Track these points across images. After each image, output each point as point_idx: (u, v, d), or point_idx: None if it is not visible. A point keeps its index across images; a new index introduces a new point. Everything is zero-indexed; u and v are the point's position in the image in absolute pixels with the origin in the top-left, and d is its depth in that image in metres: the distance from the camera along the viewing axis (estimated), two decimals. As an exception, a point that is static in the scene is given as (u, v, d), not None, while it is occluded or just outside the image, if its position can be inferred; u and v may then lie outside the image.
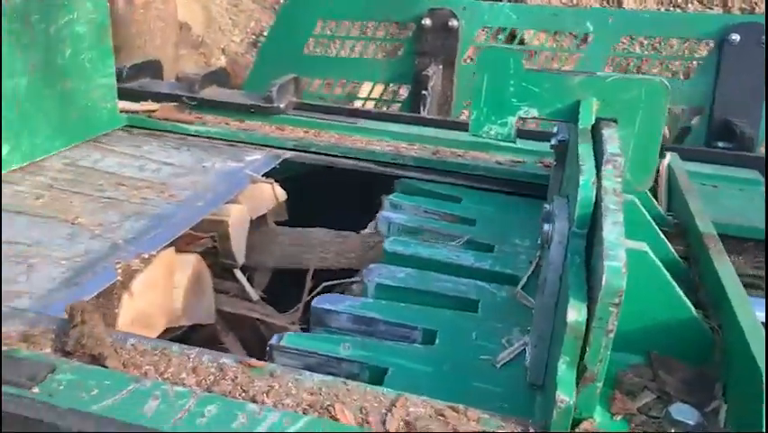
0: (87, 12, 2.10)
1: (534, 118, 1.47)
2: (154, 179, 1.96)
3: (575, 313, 0.97)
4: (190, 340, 1.76)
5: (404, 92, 3.42)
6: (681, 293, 1.15)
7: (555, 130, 1.64)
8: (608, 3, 5.49)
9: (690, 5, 5.32)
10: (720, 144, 2.80)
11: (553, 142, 1.62)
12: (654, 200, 1.63)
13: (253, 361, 1.13)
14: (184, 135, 2.32)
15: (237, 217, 1.89)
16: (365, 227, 1.99)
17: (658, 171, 1.83)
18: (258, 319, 1.92)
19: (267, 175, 2.09)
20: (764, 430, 0.91)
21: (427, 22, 3.12)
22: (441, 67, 3.15)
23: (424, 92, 3.02)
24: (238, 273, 1.97)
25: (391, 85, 3.48)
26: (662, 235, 1.39)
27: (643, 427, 1.04)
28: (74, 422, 0.92)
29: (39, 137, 2.00)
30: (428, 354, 1.32)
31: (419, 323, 1.42)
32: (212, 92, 2.53)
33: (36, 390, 0.99)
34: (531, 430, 1.01)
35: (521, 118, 1.47)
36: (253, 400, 1.03)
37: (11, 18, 1.83)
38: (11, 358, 1.04)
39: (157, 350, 1.13)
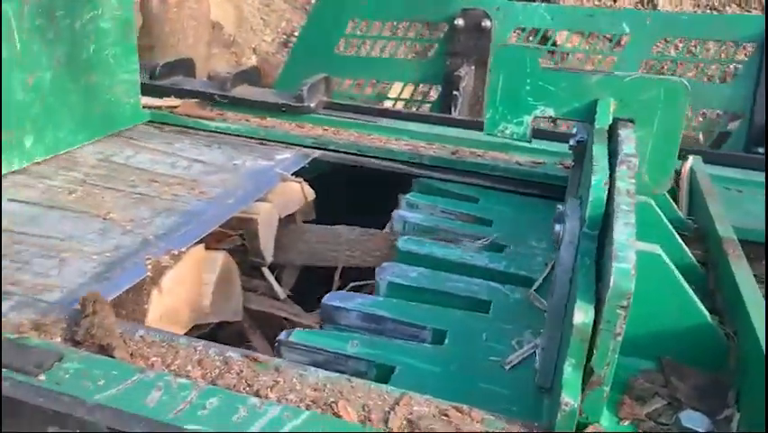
0: (112, 8, 2.13)
1: (550, 117, 1.45)
2: (185, 176, 1.97)
3: (582, 315, 0.96)
4: (218, 337, 1.78)
5: (434, 93, 3.40)
6: (694, 297, 1.12)
7: (574, 131, 1.62)
8: (642, 5, 5.41)
9: (727, 8, 5.21)
10: (760, 150, 2.72)
11: (572, 142, 1.60)
12: (674, 203, 1.60)
13: (259, 355, 1.13)
14: (215, 133, 2.33)
15: (266, 216, 1.90)
16: (384, 227, 1.99)
17: (679, 174, 1.79)
18: (285, 318, 1.92)
19: (296, 174, 2.09)
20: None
21: (460, 22, 3.08)
22: (473, 67, 3.13)
23: (455, 92, 3.00)
24: (266, 272, 1.98)
25: (421, 85, 3.46)
26: (679, 239, 1.36)
27: (651, 433, 1.02)
28: (73, 409, 0.93)
29: (62, 130, 2.03)
30: (436, 353, 1.31)
31: (429, 322, 1.41)
32: (243, 90, 2.53)
33: (43, 377, 1.00)
34: (535, 432, 0.99)
35: (537, 117, 1.45)
36: (257, 395, 1.03)
37: (36, 13, 1.86)
38: (20, 346, 1.05)
39: (164, 342, 1.14)
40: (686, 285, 1.12)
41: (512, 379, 1.25)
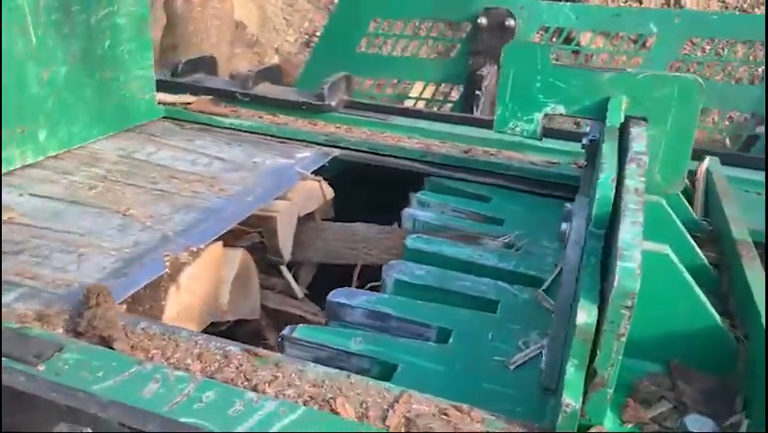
0: (128, 4, 2.14)
1: (561, 115, 1.42)
2: (205, 173, 1.98)
3: (585, 315, 0.93)
4: (235, 335, 1.76)
5: (455, 93, 3.37)
6: (703, 299, 1.09)
7: (588, 129, 1.59)
8: (668, 5, 5.34)
9: (756, 10, 5.10)
10: None
11: (584, 141, 1.58)
12: (688, 205, 1.56)
13: (260, 350, 1.12)
14: (231, 130, 2.34)
15: (285, 214, 1.89)
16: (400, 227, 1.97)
17: (695, 175, 1.76)
18: (302, 317, 1.92)
19: (315, 172, 2.08)
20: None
21: (483, 21, 3.05)
22: (495, 67, 3.08)
23: (477, 92, 2.97)
24: (284, 270, 1.97)
25: (443, 85, 3.43)
26: (691, 240, 1.33)
27: (655, 437, 0.99)
28: (86, 406, 0.93)
29: (76, 125, 2.04)
30: (440, 352, 1.29)
31: (434, 321, 1.39)
32: (264, 89, 2.53)
33: (42, 367, 1.00)
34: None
35: (548, 115, 1.43)
36: (254, 389, 1.02)
37: (52, 8, 1.88)
38: (21, 336, 1.06)
39: (165, 335, 1.14)
40: (695, 286, 1.09)
41: (517, 379, 1.23)
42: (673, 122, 1.34)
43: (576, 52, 3.87)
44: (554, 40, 3.42)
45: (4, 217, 1.59)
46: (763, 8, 5.06)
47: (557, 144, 2.22)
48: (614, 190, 1.09)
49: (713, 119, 3.66)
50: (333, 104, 2.39)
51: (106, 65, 2.11)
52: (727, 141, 3.30)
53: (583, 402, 0.97)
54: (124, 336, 1.12)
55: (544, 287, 1.52)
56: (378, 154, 2.19)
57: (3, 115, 1.78)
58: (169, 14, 3.97)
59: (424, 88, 3.50)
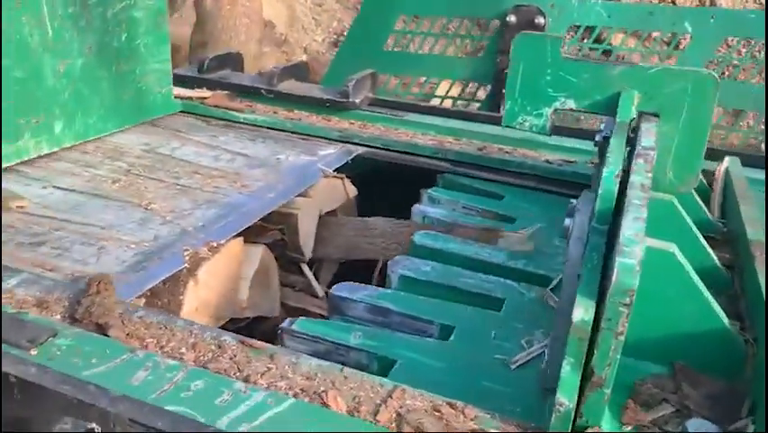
0: (145, -2, 2.16)
1: (571, 110, 1.39)
2: (228, 169, 1.98)
3: (581, 312, 0.91)
4: (254, 332, 1.77)
5: (482, 93, 3.33)
6: (711, 300, 1.06)
7: (602, 127, 1.56)
8: (700, 4, 5.22)
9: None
10: None
11: (597, 138, 1.54)
12: (703, 205, 1.52)
13: (255, 342, 1.11)
14: (245, 125, 2.35)
15: (307, 211, 1.89)
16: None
17: (713, 175, 1.71)
18: (322, 315, 1.90)
19: (338, 170, 2.07)
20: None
21: (512, 18, 2.99)
22: (524, 66, 3.05)
23: (504, 91, 2.93)
24: (305, 268, 1.97)
25: (470, 85, 3.39)
26: (702, 240, 1.28)
27: (654, 440, 0.96)
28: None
29: (92, 117, 2.06)
30: (440, 349, 1.27)
31: (437, 317, 1.37)
32: (289, 85, 2.52)
33: (34, 352, 1.00)
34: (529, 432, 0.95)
35: (557, 110, 1.40)
36: (246, 380, 1.01)
37: (69, 1, 1.90)
38: (17, 321, 1.06)
39: (161, 324, 1.14)
40: (702, 287, 1.06)
41: (517, 379, 1.20)
42: (687, 118, 1.30)
43: (607, 53, 3.80)
44: (585, 40, 3.33)
45: (14, 206, 1.61)
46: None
47: (575, 143, 2.19)
48: (618, 186, 1.05)
49: (748, 123, 3.56)
50: (357, 101, 2.37)
51: (123, 58, 2.13)
52: (762, 145, 3.20)
53: (581, 403, 0.94)
54: (120, 324, 1.11)
55: (551, 286, 1.49)
56: (401, 152, 2.17)
57: (18, 106, 1.80)
58: (199, 12, 4.01)
59: (450, 87, 3.45)
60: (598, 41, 3.25)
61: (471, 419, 0.97)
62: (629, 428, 0.98)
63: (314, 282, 1.97)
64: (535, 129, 1.42)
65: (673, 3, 5.11)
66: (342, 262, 2.11)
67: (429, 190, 2.00)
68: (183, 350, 1.08)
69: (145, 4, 2.16)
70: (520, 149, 2.18)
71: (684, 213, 1.28)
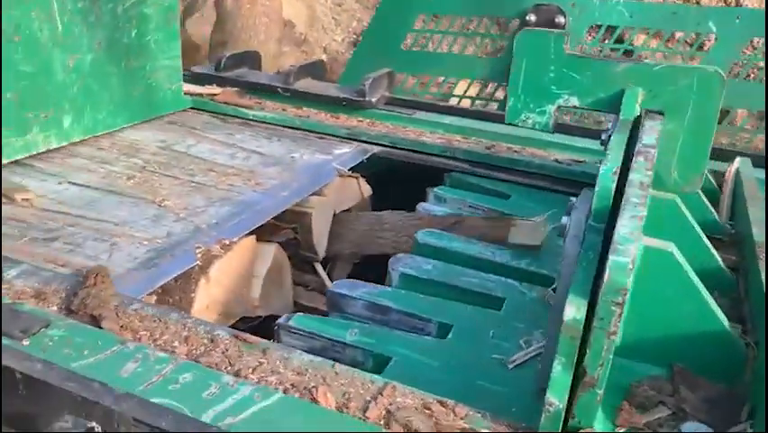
0: (156, -6, 2.17)
1: (574, 108, 1.37)
2: (243, 167, 1.98)
3: (573, 310, 0.89)
4: (266, 331, 1.75)
5: (501, 93, 3.29)
6: (710, 301, 1.03)
7: (609, 126, 1.53)
8: (725, 3, 5.13)
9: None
10: None
11: (603, 137, 1.52)
12: (710, 205, 1.49)
13: (248, 336, 1.11)
14: (254, 122, 2.35)
15: (321, 210, 1.88)
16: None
17: (723, 176, 1.68)
18: None
19: (353, 169, 2.06)
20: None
21: (532, 18, 2.94)
22: (543, 66, 3.01)
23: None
24: (318, 267, 1.96)
25: (489, 85, 3.35)
26: (706, 241, 1.26)
27: (648, 443, 0.94)
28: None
29: (101, 112, 2.08)
30: (437, 347, 1.26)
31: (435, 316, 1.36)
32: (306, 84, 2.51)
33: (27, 342, 1.01)
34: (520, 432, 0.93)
35: (561, 107, 1.38)
36: (237, 374, 1.01)
37: (79, -4, 1.91)
38: (12, 311, 1.07)
39: (156, 317, 1.14)
40: (701, 287, 1.03)
41: (514, 378, 1.19)
42: (692, 116, 1.27)
43: (628, 53, 3.74)
44: (606, 40, 3.27)
45: (19, 199, 1.62)
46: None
47: (586, 143, 2.16)
48: (615, 183, 1.03)
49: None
50: (373, 100, 2.34)
51: (133, 54, 2.14)
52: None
53: (573, 403, 0.93)
54: (115, 316, 1.11)
55: (554, 286, 1.47)
56: (415, 152, 2.15)
57: (27, 100, 1.81)
58: (219, 12, 4.03)
59: (468, 87, 3.42)
60: (619, 41, 3.19)
61: (462, 418, 0.96)
62: (622, 430, 0.96)
63: (327, 282, 1.95)
64: (538, 126, 1.40)
65: (697, 3, 5.03)
66: (356, 262, 2.09)
67: (435, 189, 1.99)
68: (176, 343, 1.08)
69: (155, 1, 2.17)
70: (529, 148, 2.16)
71: (687, 212, 1.25)
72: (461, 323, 1.33)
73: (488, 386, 1.15)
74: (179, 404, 0.90)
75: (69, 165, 1.90)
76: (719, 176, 1.75)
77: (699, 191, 1.45)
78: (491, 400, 1.10)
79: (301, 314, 1.34)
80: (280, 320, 1.31)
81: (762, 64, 3.62)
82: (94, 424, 0.92)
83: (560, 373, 0.90)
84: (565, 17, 2.90)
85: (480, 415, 0.97)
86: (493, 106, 3.18)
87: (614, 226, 1.04)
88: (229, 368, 1.03)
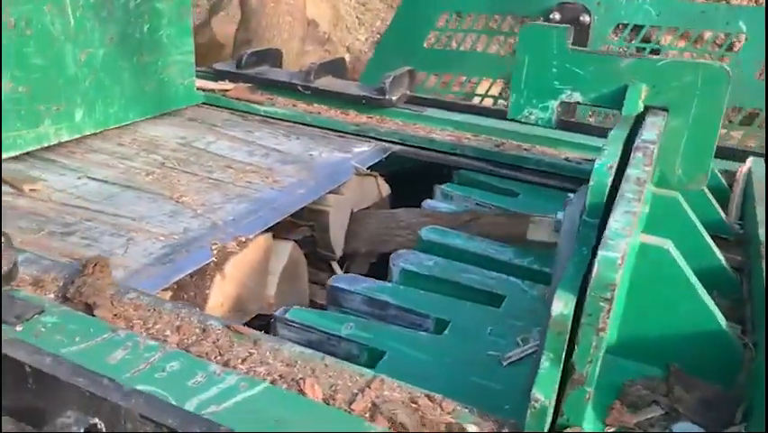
0: (168, -10, 2.19)
1: (578, 103, 1.35)
2: (261, 164, 1.98)
3: (560, 305, 0.87)
4: None
5: None
6: (707, 300, 1.01)
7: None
8: (755, 3, 5.03)
9: None
10: None
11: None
12: (717, 205, 1.46)
13: (240, 327, 1.11)
14: (265, 117, 2.36)
15: (338, 209, 1.88)
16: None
17: (734, 176, 1.64)
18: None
19: (372, 168, 2.05)
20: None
21: (556, 16, 2.91)
22: (566, 65, 2.97)
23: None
24: (335, 265, 1.96)
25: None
26: (709, 240, 1.23)
27: (637, 443, 0.92)
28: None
29: (113, 106, 2.10)
30: (432, 342, 1.25)
31: (433, 312, 1.35)
32: (326, 82, 2.50)
33: (20, 328, 1.02)
34: (504, 430, 0.92)
35: (564, 102, 1.36)
36: (225, 364, 1.01)
37: (91, -9, 1.94)
38: (9, 297, 1.08)
39: (150, 306, 1.14)
40: (698, 285, 1.01)
41: (508, 376, 1.17)
42: (697, 113, 1.25)
43: (655, 53, 3.68)
44: (632, 41, 3.21)
45: (27, 189, 1.65)
46: None
47: (599, 141, 2.13)
48: (612, 178, 1.02)
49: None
50: (394, 99, 2.32)
51: (145, 49, 2.16)
52: None
53: (562, 401, 0.92)
54: (109, 305, 1.12)
55: (555, 284, 1.45)
56: (429, 150, 2.14)
57: (38, 93, 1.84)
58: (244, 11, 4.06)
59: (490, 86, 3.39)
60: (645, 40, 3.14)
61: (449, 413, 0.95)
62: (612, 430, 0.94)
63: None
64: (541, 122, 1.38)
65: (727, 2, 4.94)
66: (372, 262, 2.08)
67: (442, 186, 1.98)
68: (168, 332, 1.08)
69: (168, -4, 2.19)
70: (539, 146, 2.14)
71: (689, 210, 1.23)
72: (459, 319, 1.32)
73: (481, 383, 1.14)
74: (164, 392, 0.90)
75: (90, 160, 1.92)
76: (732, 176, 1.72)
77: (706, 190, 1.42)
78: (484, 397, 1.09)
79: (298, 307, 1.34)
80: (277, 312, 1.32)
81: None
82: (96, 420, 0.92)
83: (547, 368, 0.89)
84: (590, 16, 2.86)
85: (467, 410, 0.96)
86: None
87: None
88: (219, 358, 1.03)
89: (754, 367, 1.00)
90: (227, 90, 2.46)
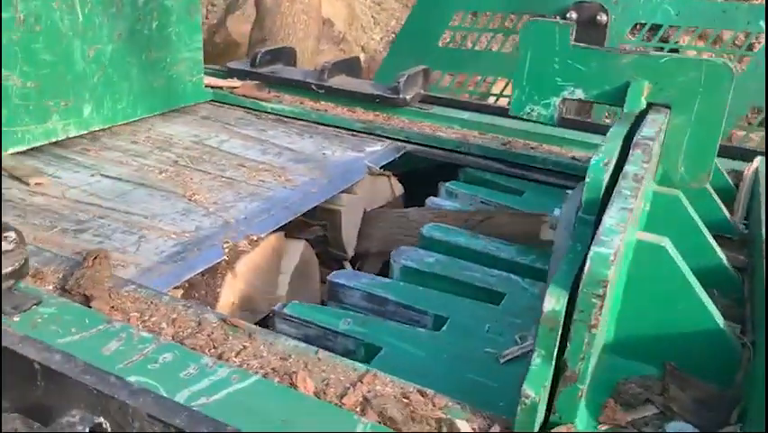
0: (177, -13, 2.20)
1: (579, 100, 1.34)
2: (274, 163, 1.99)
3: (552, 302, 0.87)
4: None
5: None
6: (704, 299, 1.00)
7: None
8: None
9: None
10: None
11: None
12: (721, 204, 1.44)
13: (236, 321, 1.11)
14: (272, 114, 2.37)
15: (351, 208, 1.88)
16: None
17: (741, 175, 1.62)
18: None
19: (385, 167, 2.04)
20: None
21: (573, 15, 2.88)
22: (583, 64, 2.94)
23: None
24: (347, 265, 1.95)
25: None
26: (710, 239, 1.22)
27: (629, 441, 0.91)
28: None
29: (121, 102, 2.11)
30: (429, 339, 1.24)
31: (432, 308, 1.34)
32: (340, 81, 2.49)
33: (17, 318, 1.03)
34: (495, 429, 0.91)
35: (566, 99, 1.35)
36: (219, 357, 1.01)
37: (100, -12, 1.95)
38: (8, 289, 1.09)
39: (148, 299, 1.15)
40: (696, 284, 1.00)
41: (505, 373, 1.17)
42: (699, 110, 1.23)
43: (676, 51, 3.64)
44: (649, 40, 3.17)
45: (32, 183, 1.66)
46: None
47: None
48: (609, 174, 1.01)
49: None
50: (407, 98, 2.31)
51: (153, 46, 2.17)
52: None
53: (554, 398, 0.91)
54: (106, 297, 1.13)
55: (556, 282, 1.44)
56: (439, 149, 2.13)
57: (47, 88, 1.86)
58: (259, 10, 4.07)
59: (506, 86, 3.36)
60: (663, 40, 3.08)
61: (440, 408, 0.95)
62: (605, 428, 0.93)
63: None
64: (543, 119, 1.38)
65: (748, 1, 4.87)
66: (385, 261, 2.08)
67: (447, 184, 1.97)
68: (163, 325, 1.09)
69: (177, -7, 2.20)
70: (546, 145, 2.13)
71: (690, 209, 1.21)
72: (458, 316, 1.31)
73: (477, 379, 1.14)
74: (156, 383, 0.91)
75: (103, 158, 1.93)
76: (740, 176, 1.70)
77: (711, 189, 1.40)
78: (480, 394, 1.09)
79: (296, 301, 1.34)
80: (276, 307, 1.32)
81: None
82: (102, 420, 0.93)
83: (539, 365, 0.88)
84: (607, 15, 2.82)
85: (459, 406, 0.95)
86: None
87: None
88: (213, 351, 1.03)
89: (753, 367, 0.98)
90: (235, 88, 2.46)
